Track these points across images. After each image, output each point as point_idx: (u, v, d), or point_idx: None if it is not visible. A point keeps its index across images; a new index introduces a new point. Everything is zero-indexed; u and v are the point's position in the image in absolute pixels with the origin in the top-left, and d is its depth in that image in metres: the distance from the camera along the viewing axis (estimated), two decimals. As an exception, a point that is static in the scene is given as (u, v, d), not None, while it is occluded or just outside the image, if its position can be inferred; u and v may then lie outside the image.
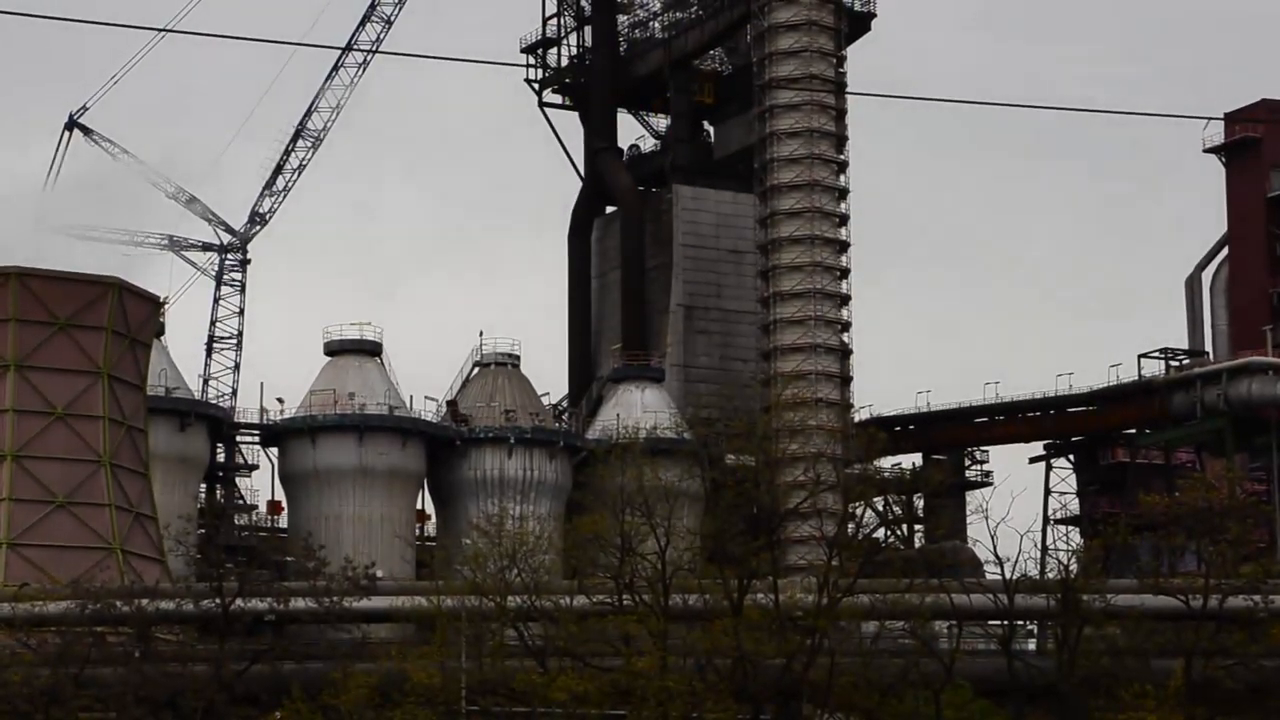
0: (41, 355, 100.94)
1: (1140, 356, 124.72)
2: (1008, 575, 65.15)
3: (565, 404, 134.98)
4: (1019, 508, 65.36)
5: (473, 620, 63.84)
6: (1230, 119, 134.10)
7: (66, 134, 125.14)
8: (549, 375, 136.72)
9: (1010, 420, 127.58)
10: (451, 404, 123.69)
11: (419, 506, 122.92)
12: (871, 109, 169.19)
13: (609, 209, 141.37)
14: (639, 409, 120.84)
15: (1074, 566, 68.47)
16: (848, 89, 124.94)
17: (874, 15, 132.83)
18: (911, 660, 62.20)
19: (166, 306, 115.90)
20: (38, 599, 71.43)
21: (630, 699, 58.58)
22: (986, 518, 63.91)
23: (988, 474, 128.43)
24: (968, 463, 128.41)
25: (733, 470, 74.25)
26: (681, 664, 60.33)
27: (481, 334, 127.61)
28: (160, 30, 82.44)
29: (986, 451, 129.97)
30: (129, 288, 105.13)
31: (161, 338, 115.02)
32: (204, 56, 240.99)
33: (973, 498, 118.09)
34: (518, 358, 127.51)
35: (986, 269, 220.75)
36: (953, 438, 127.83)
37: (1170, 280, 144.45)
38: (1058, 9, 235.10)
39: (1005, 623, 65.18)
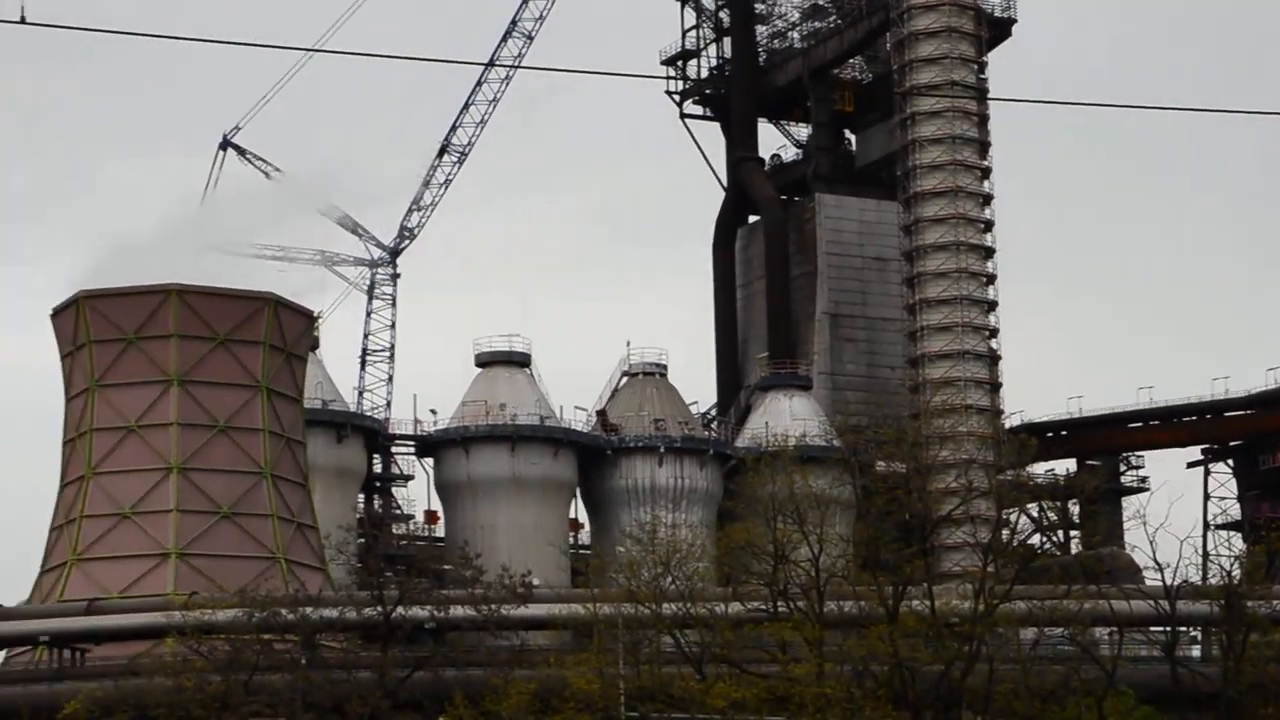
0: (202, 370, 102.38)
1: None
2: (1168, 581, 64.57)
3: (714, 412, 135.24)
4: (1177, 513, 64.80)
5: (629, 627, 63.73)
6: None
7: (220, 153, 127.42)
8: (697, 384, 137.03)
9: (1166, 425, 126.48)
10: (601, 414, 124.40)
11: (572, 515, 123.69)
12: (1015, 114, 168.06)
13: (752, 218, 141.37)
14: (788, 417, 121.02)
15: (1237, 572, 67.77)
16: (989, 95, 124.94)
17: (1014, 20, 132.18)
18: (1072, 667, 61.70)
19: (320, 320, 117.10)
20: (206, 607, 72.39)
21: (788, 705, 58.47)
22: (1145, 523, 63.53)
23: (1143, 479, 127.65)
24: (1122, 468, 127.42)
25: (883, 477, 74.01)
26: (838, 671, 60.09)
27: (629, 344, 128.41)
28: (308, 50, 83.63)
29: (1142, 457, 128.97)
30: (284, 303, 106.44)
31: (316, 351, 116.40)
32: (351, 74, 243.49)
33: (1129, 503, 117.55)
34: (665, 367, 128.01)
35: (1136, 271, 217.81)
36: (1106, 443, 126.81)
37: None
38: (1209, 9, 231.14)
39: (1168, 629, 64.65)
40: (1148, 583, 68.51)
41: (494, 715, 62.39)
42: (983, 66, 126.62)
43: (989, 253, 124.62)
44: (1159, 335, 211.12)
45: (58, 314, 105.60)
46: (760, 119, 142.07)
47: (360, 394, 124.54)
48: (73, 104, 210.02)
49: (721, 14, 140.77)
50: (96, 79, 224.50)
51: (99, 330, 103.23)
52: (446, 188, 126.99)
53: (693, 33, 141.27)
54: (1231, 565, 69.61)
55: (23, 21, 36.90)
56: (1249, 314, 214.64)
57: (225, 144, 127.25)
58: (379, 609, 71.65)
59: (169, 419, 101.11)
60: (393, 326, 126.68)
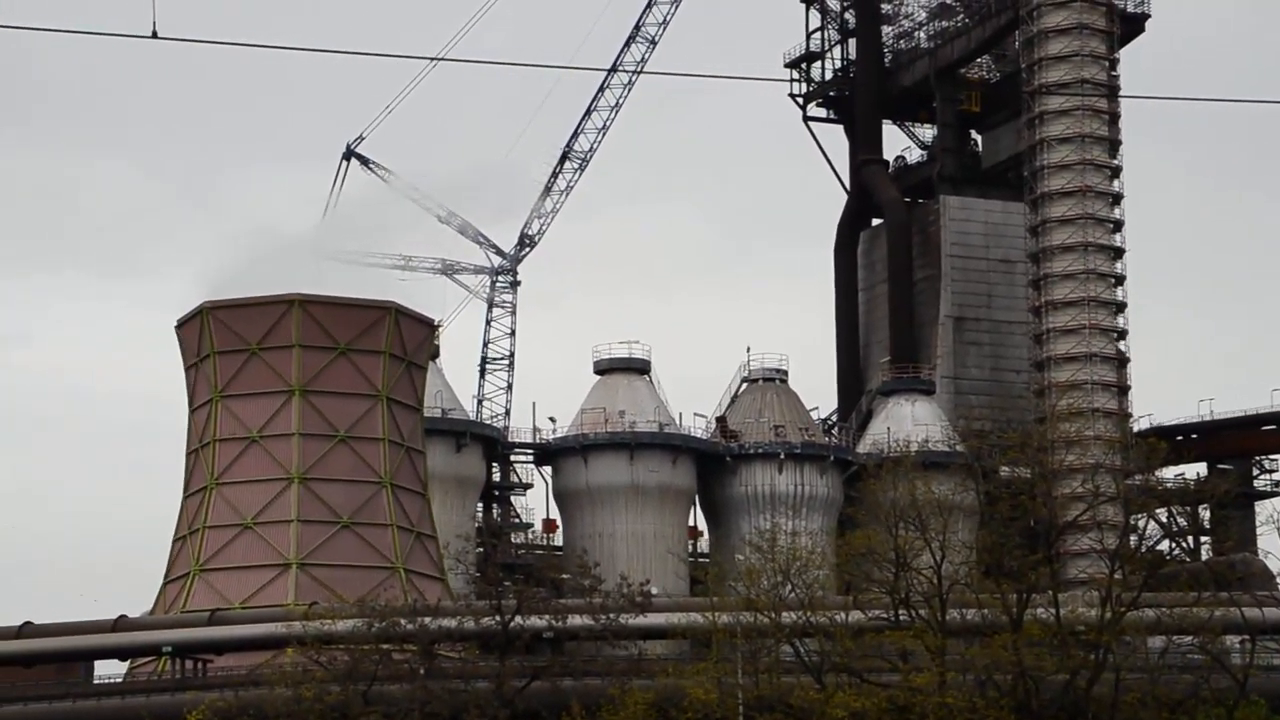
0: (323, 380, 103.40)
1: None
2: None
3: (834, 418, 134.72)
4: None
5: (748, 636, 63.85)
6: None
7: (344, 164, 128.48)
8: (817, 390, 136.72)
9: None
10: (721, 420, 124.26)
11: (691, 523, 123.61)
12: (1147, 112, 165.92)
13: (875, 221, 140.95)
14: (910, 422, 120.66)
15: None
16: (1121, 93, 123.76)
17: (1148, 16, 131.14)
18: (1202, 676, 61.24)
19: (440, 329, 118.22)
20: (326, 618, 72.65)
21: (909, 715, 58.31)
22: (1279, 529, 63.22)
23: (1278, 483, 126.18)
24: (1256, 472, 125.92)
25: (1008, 483, 73.61)
26: (961, 680, 59.88)
27: (749, 350, 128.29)
28: (432, 59, 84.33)
29: (1276, 460, 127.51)
30: (405, 312, 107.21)
31: (436, 360, 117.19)
32: (475, 83, 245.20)
33: (1262, 508, 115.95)
34: (786, 373, 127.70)
35: (1269, 272, 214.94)
36: (1239, 446, 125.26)
37: None
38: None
39: None
40: None
41: None
42: (1114, 63, 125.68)
43: (1118, 253, 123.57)
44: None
45: (182, 325, 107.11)
46: (884, 121, 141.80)
47: (479, 402, 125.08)
48: (199, 116, 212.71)
49: (847, 15, 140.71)
50: (222, 91, 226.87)
51: (222, 341, 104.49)
52: (568, 194, 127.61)
53: (817, 35, 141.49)
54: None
55: (155, 36, 37.39)
56: None
57: (349, 154, 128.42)
58: (497, 619, 71.75)
59: (291, 429, 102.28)
60: (512, 334, 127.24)
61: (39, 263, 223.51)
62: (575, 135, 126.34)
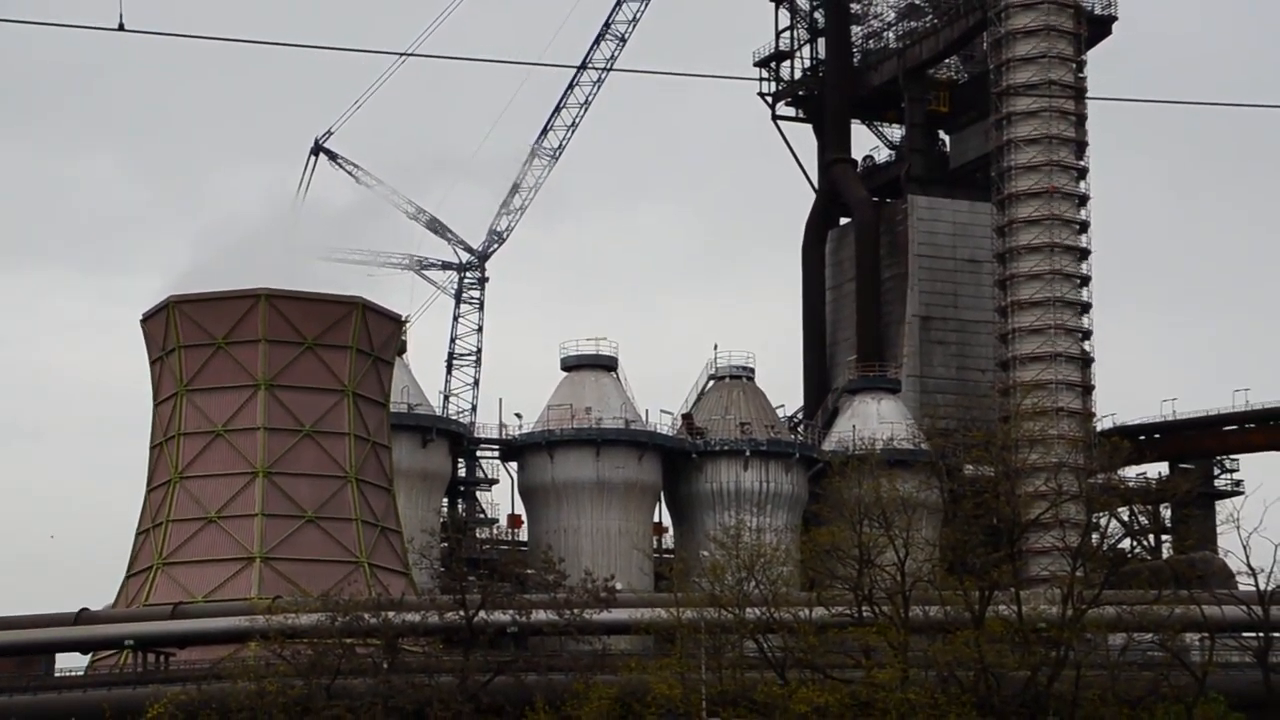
0: (290, 375, 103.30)
1: None
2: (1262, 585, 64.21)
3: (800, 416, 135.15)
4: (1272, 517, 64.49)
5: (712, 632, 63.78)
6: None
7: (312, 158, 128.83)
8: (784, 388, 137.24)
9: (1262, 427, 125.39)
10: (687, 417, 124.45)
11: (656, 519, 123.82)
12: (1114, 113, 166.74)
13: (843, 220, 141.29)
14: (875, 420, 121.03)
15: None
16: (1088, 94, 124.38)
17: (1115, 19, 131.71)
18: (1161, 673, 61.51)
19: (408, 325, 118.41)
20: (290, 612, 72.78)
21: (871, 711, 58.43)
22: (1238, 527, 63.15)
23: (1238, 483, 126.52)
24: (1217, 471, 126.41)
25: (971, 481, 73.86)
26: (923, 676, 60.09)
27: (716, 347, 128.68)
28: (401, 55, 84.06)
29: (1236, 460, 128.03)
30: (372, 307, 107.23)
31: (403, 355, 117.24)
32: (443, 79, 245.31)
33: (1223, 507, 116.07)
34: (752, 370, 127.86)
35: (1233, 274, 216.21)
36: (1201, 446, 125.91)
37: None
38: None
39: (1261, 634, 64.18)
40: (1240, 588, 68.13)
41: None
42: (1081, 65, 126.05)
43: (1084, 254, 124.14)
44: (1256, 337, 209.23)
45: (147, 319, 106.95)
46: (853, 120, 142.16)
47: (446, 398, 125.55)
48: (170, 111, 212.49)
49: (816, 14, 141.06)
50: (194, 87, 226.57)
51: (188, 335, 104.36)
52: (536, 192, 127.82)
53: (786, 34, 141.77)
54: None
55: (121, 29, 37.33)
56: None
57: (317, 149, 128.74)
58: (461, 613, 71.90)
59: (256, 423, 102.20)
60: (479, 330, 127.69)
61: (7, 260, 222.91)
62: (544, 132, 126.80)
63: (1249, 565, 65.42)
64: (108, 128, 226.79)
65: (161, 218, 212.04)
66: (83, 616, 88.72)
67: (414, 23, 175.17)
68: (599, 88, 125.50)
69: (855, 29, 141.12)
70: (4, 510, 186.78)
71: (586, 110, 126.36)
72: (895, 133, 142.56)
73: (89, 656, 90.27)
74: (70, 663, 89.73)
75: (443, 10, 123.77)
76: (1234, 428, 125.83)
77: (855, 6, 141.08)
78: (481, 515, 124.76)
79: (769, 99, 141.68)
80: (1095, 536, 71.57)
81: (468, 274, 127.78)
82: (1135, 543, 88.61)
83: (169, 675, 79.55)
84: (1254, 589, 64.87)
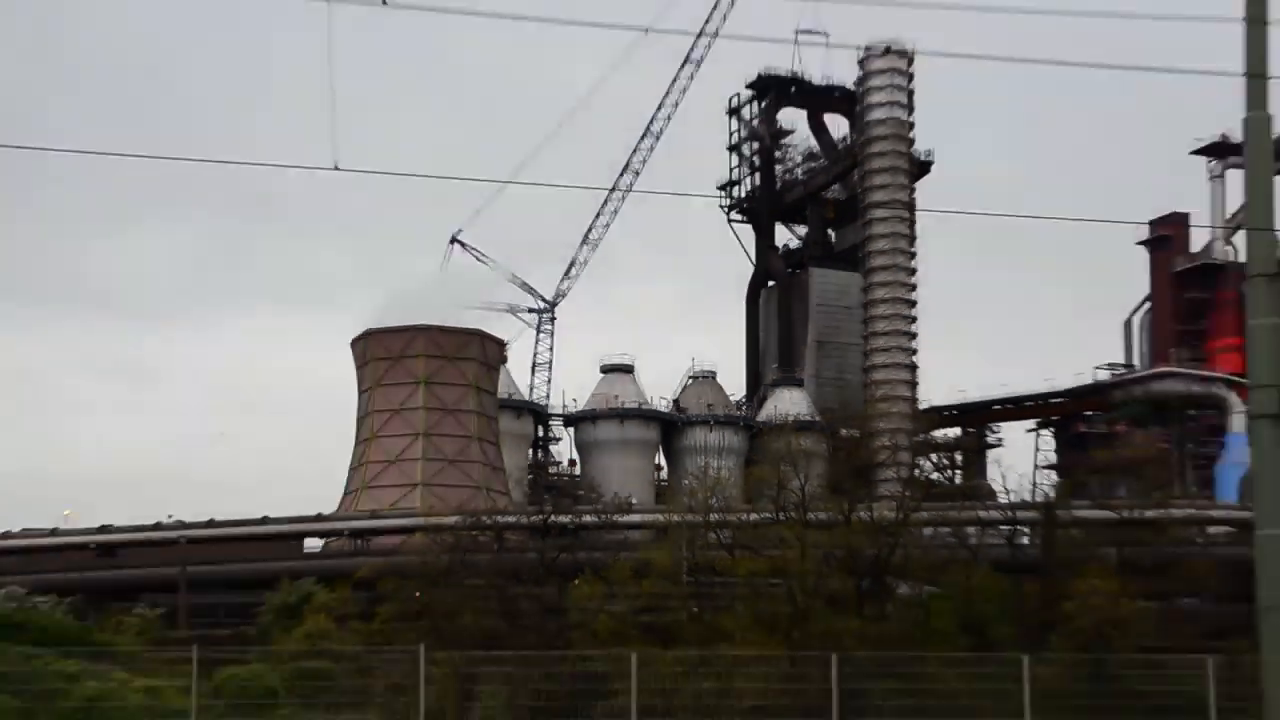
0: (438, 376, 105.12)
1: (1095, 368, 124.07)
2: (1011, 499, 64.24)
3: (744, 400, 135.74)
4: (1021, 460, 65.00)
5: (690, 528, 62.20)
6: (1153, 225, 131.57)
7: (450, 246, 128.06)
8: (734, 384, 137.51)
9: (1015, 408, 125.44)
10: (676, 402, 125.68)
11: (657, 462, 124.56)
12: (933, 218, 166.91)
13: (770, 283, 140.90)
14: (788, 403, 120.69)
15: (1052, 494, 67.46)
16: (917, 208, 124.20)
17: (933, 162, 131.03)
18: (953, 550, 59.90)
19: (508, 345, 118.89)
20: (441, 515, 72.83)
21: (785, 574, 56.25)
22: (999, 466, 63.29)
23: (1000, 440, 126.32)
24: (987, 434, 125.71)
25: (845, 439, 74.00)
26: (814, 554, 57.00)
27: (693, 359, 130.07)
28: (505, 181, 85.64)
29: (999, 427, 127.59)
30: (487, 335, 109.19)
31: (505, 364, 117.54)
32: (534, 195, 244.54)
33: (992, 455, 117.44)
34: (715, 373, 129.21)
35: (1000, 316, 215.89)
36: (979, 419, 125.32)
37: (1114, 324, 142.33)
38: (1060, 152, 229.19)
39: (1011, 527, 63.55)
40: (1000, 499, 67.85)
41: (608, 580, 60.23)
42: (913, 190, 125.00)
43: (913, 304, 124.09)
44: (1010, 351, 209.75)
45: (355, 342, 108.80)
46: (776, 223, 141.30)
47: (531, 389, 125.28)
48: (369, 217, 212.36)
49: (754, 159, 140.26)
50: (394, 209, 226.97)
51: (377, 352, 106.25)
52: (585, 266, 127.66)
53: (736, 171, 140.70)
54: (1049, 491, 69.20)
55: (335, 169, 38.13)
56: (1073, 349, 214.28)
57: (453, 239, 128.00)
58: (540, 516, 72.53)
59: (418, 405, 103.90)
60: (551, 349, 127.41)
61: (281, 304, 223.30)
62: (590, 229, 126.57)
63: (1005, 488, 66.17)
64: (331, 224, 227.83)
65: (366, 280, 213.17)
66: (319, 517, 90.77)
67: (517, 153, 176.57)
68: (623, 202, 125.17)
69: (778, 168, 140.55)
70: (272, 456, 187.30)
71: (615, 216, 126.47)
72: (802, 230, 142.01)
73: (323, 541, 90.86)
74: (312, 545, 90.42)
75: (532, 149, 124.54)
76: (998, 408, 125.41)
77: (778, 154, 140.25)
78: (553, 460, 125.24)
79: (725, 210, 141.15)
80: (917, 472, 70.30)
81: (543, 315, 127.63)
82: (940, 475, 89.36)
83: (369, 552, 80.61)
84: (1006, 501, 65.11)
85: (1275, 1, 23.51)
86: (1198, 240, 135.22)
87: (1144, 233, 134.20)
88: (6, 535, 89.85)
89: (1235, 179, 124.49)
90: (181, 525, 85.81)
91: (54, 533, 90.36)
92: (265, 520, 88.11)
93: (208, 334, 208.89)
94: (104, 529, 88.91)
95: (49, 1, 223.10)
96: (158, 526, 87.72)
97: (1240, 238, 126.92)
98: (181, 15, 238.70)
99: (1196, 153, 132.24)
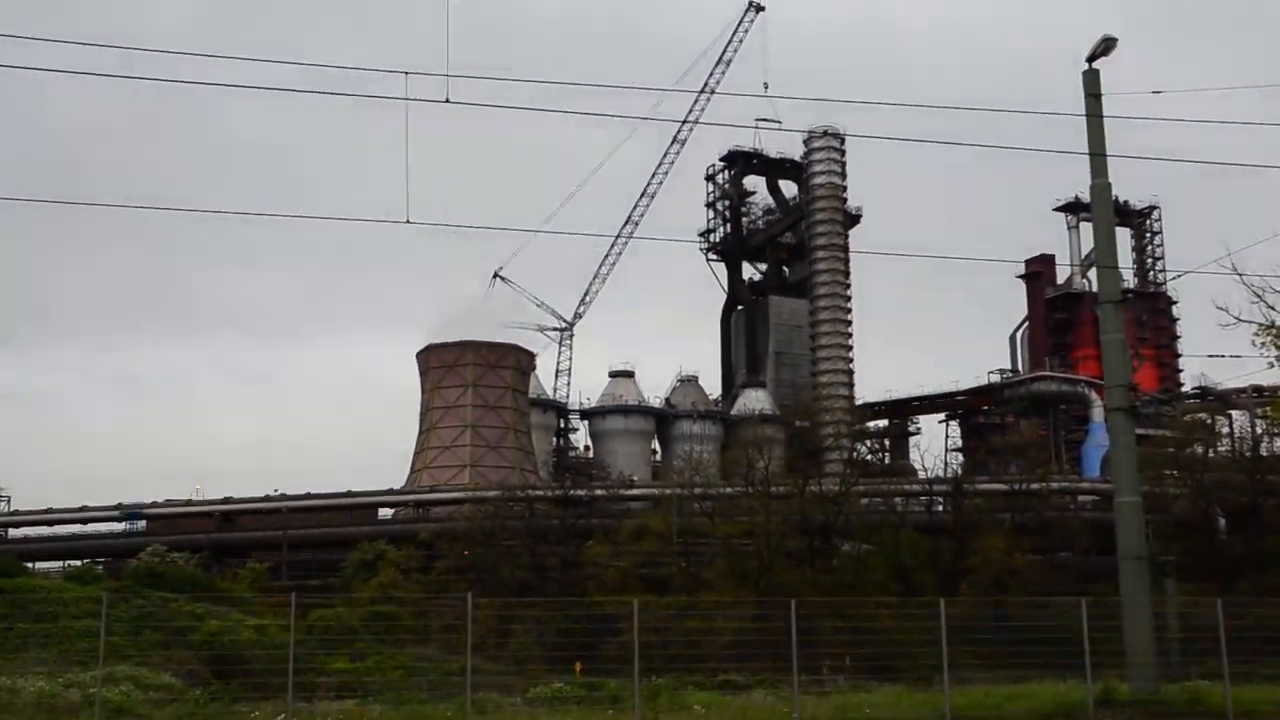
0: (483, 380, 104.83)
1: (989, 372, 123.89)
2: (928, 475, 63.45)
3: (720, 399, 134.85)
4: (935, 444, 64.40)
5: (679, 499, 62.65)
6: (1027, 263, 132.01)
7: (493, 279, 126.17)
8: (712, 385, 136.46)
9: (929, 403, 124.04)
10: (667, 400, 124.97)
11: (653, 447, 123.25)
12: (862, 257, 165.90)
13: (739, 307, 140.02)
14: (754, 401, 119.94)
15: (960, 470, 67.01)
16: (850, 250, 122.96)
17: (861, 215, 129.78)
18: (884, 515, 59.63)
19: (537, 357, 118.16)
20: (486, 489, 73.27)
21: (752, 534, 56.07)
22: (919, 450, 63.11)
23: (918, 429, 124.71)
24: (909, 424, 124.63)
25: (799, 428, 73.81)
26: (776, 520, 55.65)
27: (680, 367, 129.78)
28: (535, 230, 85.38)
29: (918, 419, 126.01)
30: (520, 349, 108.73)
31: (535, 371, 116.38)
32: (557, 240, 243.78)
33: (913, 441, 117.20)
34: (697, 377, 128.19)
35: (921, 333, 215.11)
36: (902, 412, 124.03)
37: (1002, 338, 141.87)
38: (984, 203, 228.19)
39: (928, 495, 62.81)
40: (919, 476, 67.47)
41: (614, 541, 61.14)
42: (847, 236, 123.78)
43: (849, 323, 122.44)
44: (926, 358, 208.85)
45: (420, 353, 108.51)
46: (744, 261, 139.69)
47: (555, 390, 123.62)
48: (430, 265, 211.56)
49: (726, 213, 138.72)
50: (452, 262, 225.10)
51: (435, 362, 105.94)
52: (597, 294, 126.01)
53: (714, 221, 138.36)
54: (957, 469, 68.91)
55: (408, 221, 37.19)
56: (972, 357, 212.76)
57: (495, 275, 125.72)
58: (562, 490, 72.51)
59: (468, 403, 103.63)
60: (570, 359, 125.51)
61: (370, 326, 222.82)
62: (601, 266, 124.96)
63: (923, 466, 66.00)
64: (404, 264, 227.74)
65: (428, 307, 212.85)
66: (390, 491, 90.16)
67: (547, 207, 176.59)
68: (626, 246, 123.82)
69: (744, 220, 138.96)
70: (356, 442, 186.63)
71: (620, 256, 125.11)
72: (763, 267, 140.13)
73: (393, 511, 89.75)
74: (384, 513, 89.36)
75: (563, 198, 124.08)
76: (917, 403, 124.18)
77: (744, 210, 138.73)
78: (573, 446, 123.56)
79: (704, 252, 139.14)
80: (855, 454, 70.76)
81: (564, 332, 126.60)
82: (873, 456, 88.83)
83: (428, 519, 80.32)
84: (924, 476, 64.68)
85: (1105, 85, 23.87)
86: (1061, 275, 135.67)
87: (1021, 269, 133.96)
88: (153, 505, 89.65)
89: (1086, 229, 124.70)
90: (285, 498, 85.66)
91: (188, 503, 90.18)
92: (349, 494, 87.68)
93: (312, 349, 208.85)
94: (226, 500, 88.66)
95: (207, 109, 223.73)
96: (267, 499, 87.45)
97: (1093, 273, 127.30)
98: (297, 118, 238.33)
99: (1057, 209, 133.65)
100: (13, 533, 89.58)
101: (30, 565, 62.47)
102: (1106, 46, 24.12)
